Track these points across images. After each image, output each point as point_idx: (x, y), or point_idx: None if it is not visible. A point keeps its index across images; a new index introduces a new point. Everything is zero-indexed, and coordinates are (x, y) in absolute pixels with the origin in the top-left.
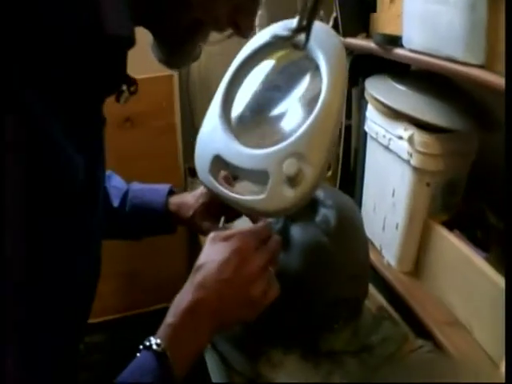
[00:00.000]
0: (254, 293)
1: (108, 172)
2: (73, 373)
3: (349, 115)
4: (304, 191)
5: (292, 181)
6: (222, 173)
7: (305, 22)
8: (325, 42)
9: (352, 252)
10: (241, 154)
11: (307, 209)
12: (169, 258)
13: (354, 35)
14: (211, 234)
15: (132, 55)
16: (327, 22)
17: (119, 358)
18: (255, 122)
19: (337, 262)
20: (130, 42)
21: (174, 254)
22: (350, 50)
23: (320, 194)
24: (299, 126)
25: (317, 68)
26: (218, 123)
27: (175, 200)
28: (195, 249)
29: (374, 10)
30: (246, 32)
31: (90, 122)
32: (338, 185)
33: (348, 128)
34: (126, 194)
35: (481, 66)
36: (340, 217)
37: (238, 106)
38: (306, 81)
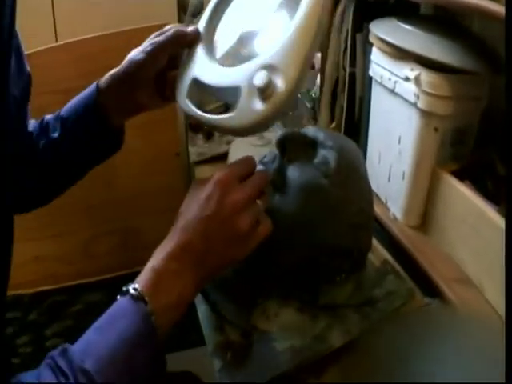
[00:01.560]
0: (240, 225)
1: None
2: None
3: (353, 62)
4: (275, 104)
5: (263, 93)
6: None
7: None
8: None
9: (354, 197)
10: (216, 73)
11: (305, 149)
12: (168, 214)
13: None
14: (193, 182)
15: (127, 5)
16: None
17: None
18: (234, 43)
19: (337, 206)
20: None
21: (174, 210)
22: None
23: (320, 135)
24: (273, 40)
25: None
26: (199, 47)
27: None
28: None
29: None
30: None
31: None
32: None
33: (352, 75)
34: (58, 116)
35: None
36: (340, 158)
37: (222, 30)
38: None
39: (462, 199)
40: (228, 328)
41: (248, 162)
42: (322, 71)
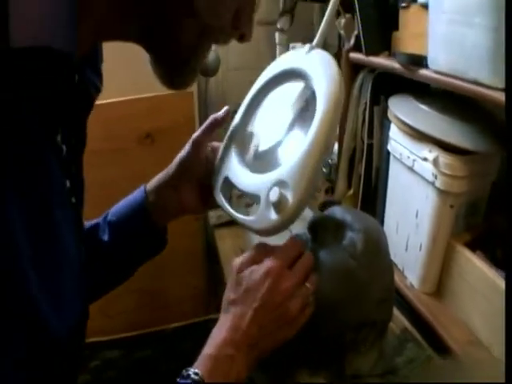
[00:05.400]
0: (291, 310)
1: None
2: None
3: (370, 134)
4: (287, 216)
5: (276, 207)
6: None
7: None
8: (323, 72)
9: (378, 276)
10: (243, 177)
11: (334, 232)
12: (187, 275)
13: (376, 53)
14: (235, 263)
15: (150, 72)
16: (349, 41)
17: (134, 376)
18: (261, 149)
19: (363, 286)
20: (69, 55)
21: (192, 271)
22: (372, 68)
23: (347, 217)
24: (288, 154)
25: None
26: (231, 147)
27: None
28: (214, 267)
29: (396, 28)
30: (248, 36)
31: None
32: (359, 203)
33: (370, 146)
34: (106, 220)
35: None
36: (367, 240)
37: (253, 130)
38: (302, 110)
39: (474, 269)
40: None
41: (296, 244)
42: (340, 140)
